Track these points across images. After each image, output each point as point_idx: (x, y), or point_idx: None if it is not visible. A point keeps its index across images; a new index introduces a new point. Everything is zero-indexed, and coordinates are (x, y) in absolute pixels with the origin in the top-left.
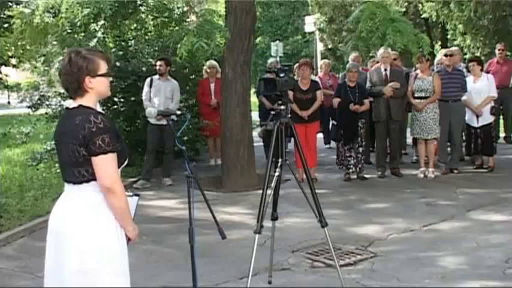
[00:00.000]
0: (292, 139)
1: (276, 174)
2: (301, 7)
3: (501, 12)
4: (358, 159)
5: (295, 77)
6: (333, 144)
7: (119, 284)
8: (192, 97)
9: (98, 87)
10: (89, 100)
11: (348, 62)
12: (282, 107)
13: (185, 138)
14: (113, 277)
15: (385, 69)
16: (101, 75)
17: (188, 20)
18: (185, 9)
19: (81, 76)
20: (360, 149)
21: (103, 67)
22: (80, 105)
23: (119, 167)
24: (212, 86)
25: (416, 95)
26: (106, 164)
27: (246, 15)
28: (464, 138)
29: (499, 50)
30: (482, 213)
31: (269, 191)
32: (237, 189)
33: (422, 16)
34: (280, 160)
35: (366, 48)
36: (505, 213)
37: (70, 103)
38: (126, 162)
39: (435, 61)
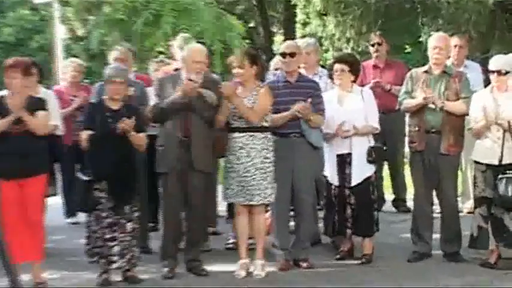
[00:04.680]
0: None
1: None
2: None
3: None
4: (127, 243)
5: None
6: (82, 217)
7: None
8: None
9: None
10: None
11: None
12: None
13: None
14: None
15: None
16: None
17: None
18: None
19: None
20: (129, 226)
21: None
22: None
23: None
24: None
25: (234, 125)
26: None
27: None
28: (321, 202)
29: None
30: None
31: None
32: None
33: None
34: None
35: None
36: None
37: None
38: None
39: (271, 66)
